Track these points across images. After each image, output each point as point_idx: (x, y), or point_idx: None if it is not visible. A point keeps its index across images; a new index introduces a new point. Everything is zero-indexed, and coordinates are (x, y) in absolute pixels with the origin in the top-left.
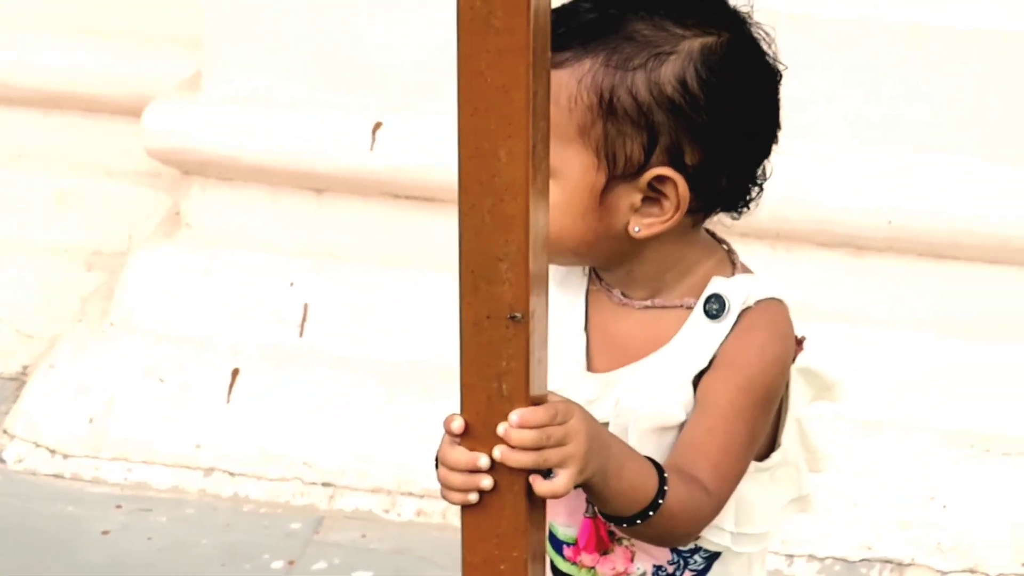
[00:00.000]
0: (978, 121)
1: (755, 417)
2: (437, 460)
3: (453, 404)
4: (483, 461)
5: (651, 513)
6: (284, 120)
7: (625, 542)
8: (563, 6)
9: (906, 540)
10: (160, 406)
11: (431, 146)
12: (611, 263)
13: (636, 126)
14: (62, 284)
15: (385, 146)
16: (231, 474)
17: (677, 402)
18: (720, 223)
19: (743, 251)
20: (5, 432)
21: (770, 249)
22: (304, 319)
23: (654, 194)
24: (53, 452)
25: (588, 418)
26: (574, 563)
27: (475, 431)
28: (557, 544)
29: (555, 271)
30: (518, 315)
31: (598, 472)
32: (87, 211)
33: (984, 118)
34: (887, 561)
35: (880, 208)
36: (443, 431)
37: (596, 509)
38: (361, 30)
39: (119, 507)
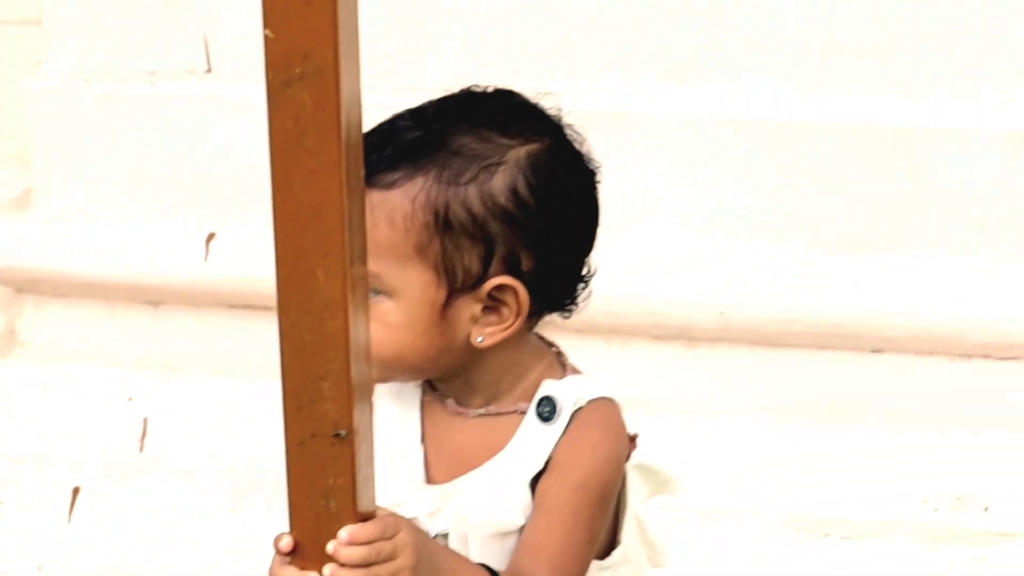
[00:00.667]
0: (802, 211)
1: (592, 516)
2: None
3: None
4: None
5: None
6: (117, 234)
7: None
8: (381, 125)
9: None
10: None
11: (265, 255)
12: (451, 375)
13: (472, 239)
14: None
15: (219, 256)
16: None
17: (516, 507)
18: (552, 322)
19: (578, 348)
20: None
21: (604, 344)
22: (144, 433)
23: (493, 303)
24: None
25: (417, 531)
26: None
27: (305, 549)
28: None
29: (388, 384)
30: (342, 432)
31: None
32: None
33: (808, 208)
34: None
35: (711, 300)
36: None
37: None
38: (190, 142)
39: None
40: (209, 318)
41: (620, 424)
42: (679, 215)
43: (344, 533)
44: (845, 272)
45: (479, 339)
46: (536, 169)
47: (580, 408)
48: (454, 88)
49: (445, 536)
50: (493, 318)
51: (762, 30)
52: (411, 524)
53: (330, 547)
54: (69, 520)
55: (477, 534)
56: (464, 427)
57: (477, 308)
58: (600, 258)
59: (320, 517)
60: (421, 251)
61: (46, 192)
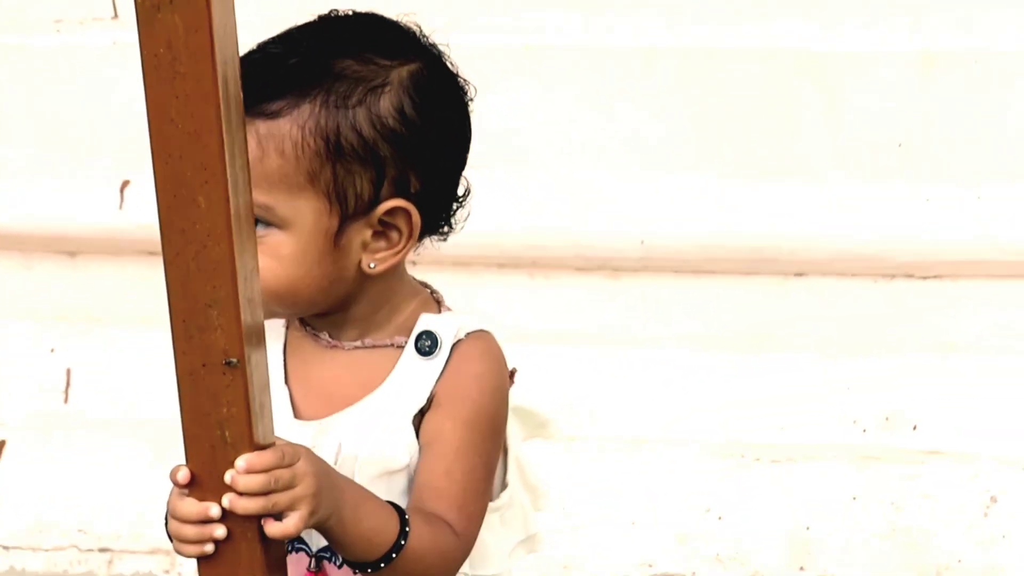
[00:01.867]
0: (718, 139)
1: (487, 450)
2: (167, 515)
3: None
4: (214, 510)
5: (394, 555)
6: (30, 185)
7: None
8: (252, 54)
9: (686, 553)
10: None
11: None
12: (336, 307)
13: (363, 163)
14: None
15: (134, 204)
16: (5, 548)
17: (400, 444)
18: (477, 258)
19: (501, 282)
20: None
21: (528, 277)
22: (68, 384)
23: (383, 228)
24: None
25: (317, 461)
26: None
27: (202, 480)
28: None
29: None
30: (233, 360)
31: (332, 514)
32: None
33: (724, 136)
34: None
35: (632, 230)
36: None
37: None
38: (100, 91)
39: None
40: (128, 266)
41: (501, 355)
42: (595, 148)
43: (241, 462)
44: (764, 198)
45: (371, 265)
46: (419, 89)
47: (459, 341)
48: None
49: None
50: (383, 243)
51: None
52: (311, 453)
53: (228, 476)
54: None
55: (362, 473)
56: (336, 361)
57: (368, 234)
58: (520, 192)
59: (216, 448)
60: (313, 179)
61: None
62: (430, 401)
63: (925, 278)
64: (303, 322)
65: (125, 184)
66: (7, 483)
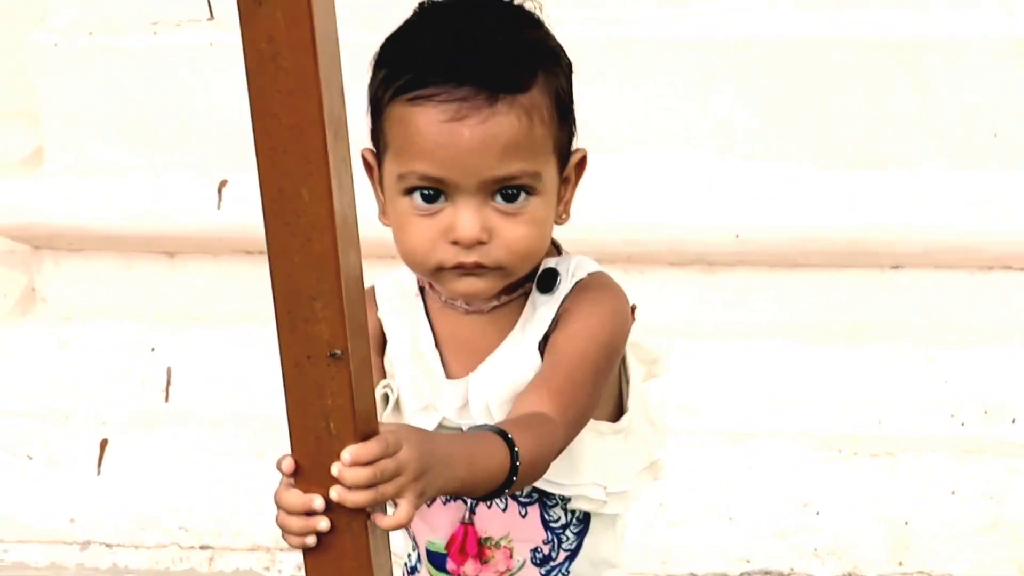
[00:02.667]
0: (812, 130)
1: (597, 360)
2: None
3: None
4: (318, 503)
5: (514, 478)
6: (130, 187)
7: (503, 543)
8: (447, 42)
9: (783, 549)
10: (30, 483)
11: None
12: None
13: (568, 119)
14: None
15: (232, 203)
16: (108, 545)
17: (529, 369)
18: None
19: None
20: None
21: (623, 273)
22: (169, 383)
23: (564, 178)
24: None
25: (420, 441)
26: None
27: (307, 472)
28: (440, 560)
29: (392, 315)
30: (338, 352)
31: (447, 482)
32: None
33: (817, 127)
34: (766, 572)
35: (727, 223)
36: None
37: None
38: (197, 91)
39: None
40: (226, 265)
41: (621, 289)
42: (689, 140)
43: (347, 454)
44: (859, 189)
45: (562, 215)
46: (563, 51)
47: (580, 279)
48: None
49: (480, 427)
50: (565, 193)
51: None
52: (414, 433)
53: (335, 469)
54: (98, 472)
55: (496, 403)
56: (476, 322)
57: (561, 187)
58: (613, 186)
59: (321, 439)
60: (557, 142)
61: (57, 148)
62: (553, 324)
63: (1023, 269)
64: (433, 290)
65: (223, 184)
66: (109, 482)
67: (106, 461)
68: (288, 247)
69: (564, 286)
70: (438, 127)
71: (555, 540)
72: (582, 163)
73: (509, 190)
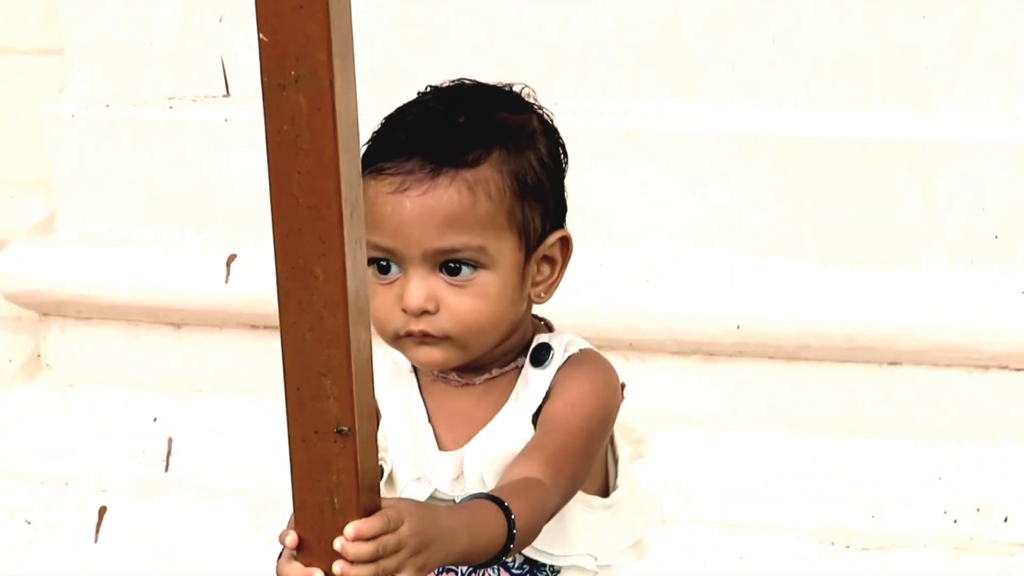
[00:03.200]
0: (815, 226)
1: (589, 429)
2: None
3: None
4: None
5: (511, 546)
6: (139, 256)
7: None
8: (416, 117)
9: None
10: (29, 547)
11: None
12: (504, 339)
13: (538, 199)
14: None
15: (240, 277)
16: None
17: (523, 440)
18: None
19: None
20: None
21: (623, 360)
22: (169, 453)
23: (543, 259)
24: None
25: (422, 515)
26: None
27: (310, 546)
28: None
29: (386, 388)
30: (345, 429)
31: (448, 555)
32: None
33: (820, 223)
34: None
35: (728, 315)
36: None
37: None
38: (210, 165)
39: None
40: (231, 338)
41: (611, 367)
42: (692, 232)
43: (350, 529)
44: (860, 286)
45: (541, 295)
46: (551, 134)
47: (572, 354)
48: None
49: (472, 497)
50: (545, 273)
51: (768, 48)
52: (415, 507)
53: (337, 544)
54: (96, 539)
55: (490, 473)
56: (469, 394)
57: (534, 267)
58: (616, 273)
59: (325, 513)
60: (511, 218)
61: (68, 216)
62: (546, 397)
63: (1019, 370)
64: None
65: (232, 258)
66: (107, 549)
67: (104, 528)
68: (300, 324)
69: (556, 360)
70: (384, 198)
71: None
72: (566, 244)
73: (451, 263)
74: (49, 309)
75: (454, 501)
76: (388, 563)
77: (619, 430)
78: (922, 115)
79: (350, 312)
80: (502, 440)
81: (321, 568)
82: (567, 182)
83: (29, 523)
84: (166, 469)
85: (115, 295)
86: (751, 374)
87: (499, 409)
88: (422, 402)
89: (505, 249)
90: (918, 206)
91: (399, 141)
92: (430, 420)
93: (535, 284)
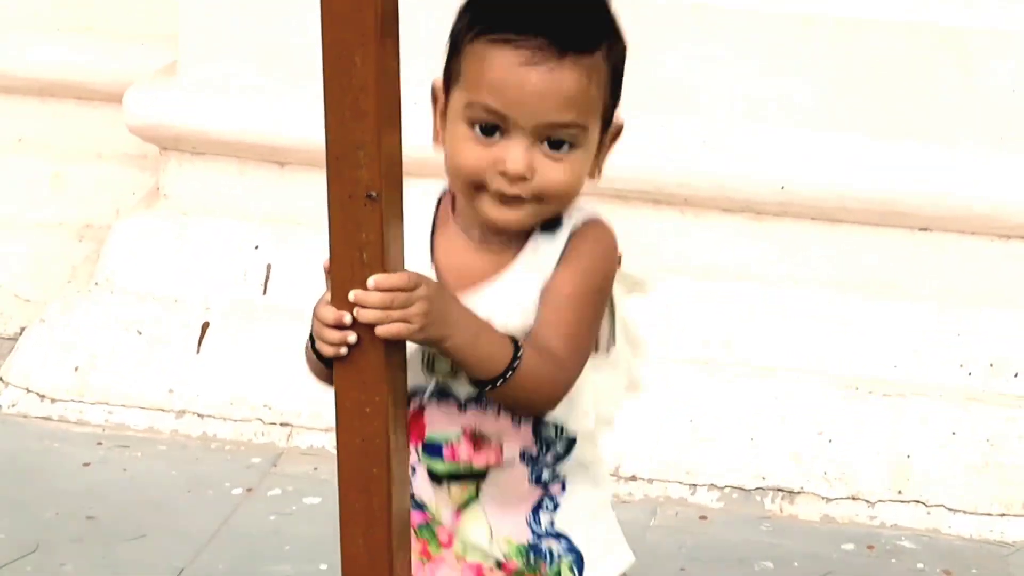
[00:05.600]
0: (861, 101)
1: (595, 301)
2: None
3: None
4: (347, 318)
5: (508, 375)
6: (250, 101)
7: (493, 440)
8: (527, 2)
9: (796, 470)
10: (137, 356)
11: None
12: None
13: (617, 91)
14: (56, 255)
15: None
16: (200, 416)
17: (522, 303)
18: (627, 192)
19: (655, 216)
20: (1, 380)
21: (679, 214)
22: (267, 278)
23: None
24: (42, 397)
25: (440, 291)
26: (453, 461)
27: (341, 294)
28: (435, 450)
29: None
30: (373, 194)
31: (448, 338)
32: (79, 190)
33: (866, 99)
34: (779, 489)
35: (773, 176)
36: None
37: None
38: (316, 26)
39: (99, 444)
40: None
41: (613, 237)
42: (747, 102)
43: (371, 281)
44: (898, 156)
45: (594, 173)
46: (623, 33)
47: (577, 227)
48: None
49: None
50: (599, 154)
51: None
52: (437, 285)
53: (352, 295)
54: (198, 351)
55: None
56: (477, 252)
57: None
58: (677, 136)
59: (355, 266)
60: (604, 106)
61: (189, 64)
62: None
63: None
64: (453, 213)
65: None
66: (207, 361)
67: (206, 342)
68: (341, 103)
69: (564, 231)
70: (510, 68)
71: (542, 446)
72: (619, 133)
73: (557, 138)
74: (168, 144)
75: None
76: (394, 313)
77: (617, 279)
78: (964, 3)
79: (380, 95)
80: (502, 299)
81: (348, 312)
82: (642, 49)
83: (140, 334)
84: (264, 292)
85: (227, 134)
86: (793, 232)
87: (501, 269)
88: (430, 244)
89: (593, 133)
90: (957, 87)
91: (526, 18)
92: (432, 260)
93: (594, 163)
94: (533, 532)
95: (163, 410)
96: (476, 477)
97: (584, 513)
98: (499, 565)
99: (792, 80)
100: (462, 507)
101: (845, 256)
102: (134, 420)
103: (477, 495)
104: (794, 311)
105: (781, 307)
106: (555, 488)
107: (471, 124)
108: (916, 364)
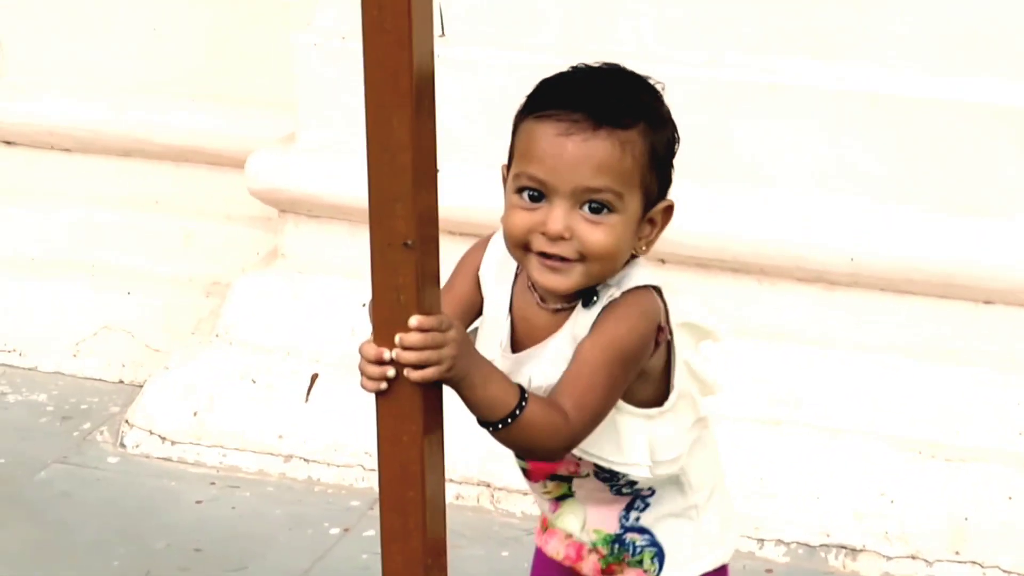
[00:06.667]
0: (926, 176)
1: (613, 371)
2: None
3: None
4: (387, 354)
5: (509, 420)
6: (363, 166)
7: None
8: (588, 79)
9: (859, 529)
10: (251, 403)
11: (483, 191)
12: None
13: (660, 172)
14: (185, 308)
15: (441, 190)
16: (306, 460)
17: (558, 369)
18: (709, 261)
19: (733, 284)
20: (127, 422)
21: (756, 283)
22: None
23: (647, 221)
24: (163, 439)
25: (464, 335)
26: (540, 466)
27: (382, 332)
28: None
29: (492, 268)
30: (409, 242)
31: (464, 378)
32: (208, 248)
33: (930, 174)
34: (842, 546)
35: (843, 248)
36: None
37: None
38: None
39: (212, 484)
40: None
41: (650, 309)
42: (819, 175)
43: (414, 320)
44: (960, 231)
45: (643, 248)
46: (673, 125)
47: (615, 298)
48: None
49: None
50: (646, 231)
51: (894, 19)
52: (460, 327)
53: (397, 338)
54: (306, 400)
55: (537, 391)
56: (539, 314)
57: (645, 225)
58: (754, 207)
59: (393, 306)
60: (642, 179)
61: (308, 131)
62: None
63: None
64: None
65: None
66: (315, 409)
67: (314, 392)
68: (381, 160)
69: (601, 303)
70: (551, 139)
71: (611, 475)
72: (669, 211)
73: (595, 203)
74: (285, 207)
75: None
76: (431, 354)
77: (686, 329)
78: (1022, 85)
79: (415, 154)
80: (545, 361)
81: (387, 348)
82: (719, 125)
83: (254, 382)
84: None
85: (339, 198)
86: (862, 301)
87: (551, 335)
88: (510, 298)
89: (633, 202)
90: (1014, 164)
91: (567, 96)
92: (510, 312)
93: (639, 239)
94: (622, 526)
95: (272, 454)
96: (565, 478)
97: (670, 514)
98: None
99: (860, 155)
100: (559, 499)
101: (911, 324)
102: (246, 463)
103: (571, 492)
104: (861, 375)
105: (849, 371)
106: (644, 491)
107: (520, 192)
108: (976, 429)
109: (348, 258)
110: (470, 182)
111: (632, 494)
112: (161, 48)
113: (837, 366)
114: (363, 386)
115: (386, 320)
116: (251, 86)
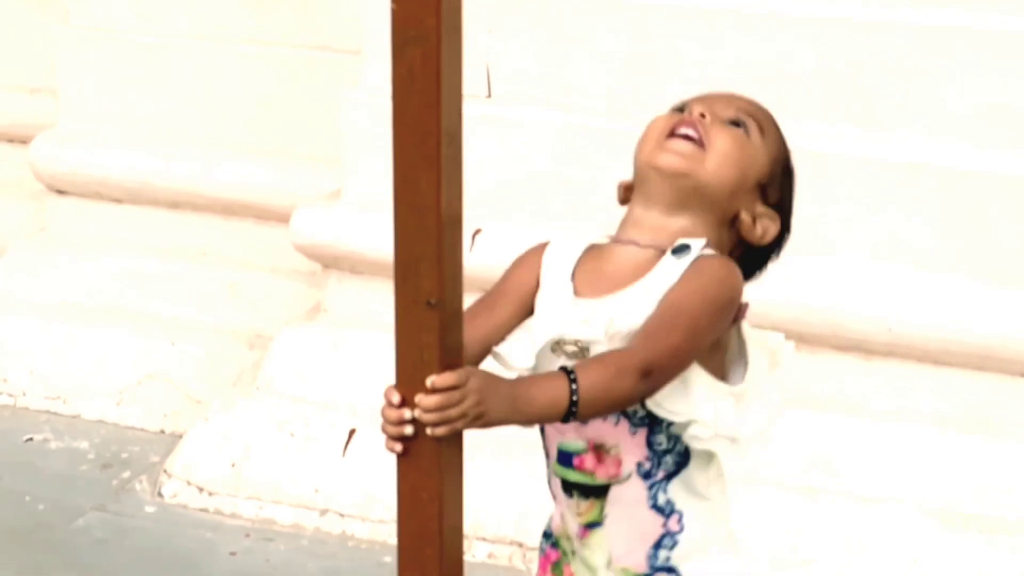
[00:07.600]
0: (965, 247)
1: (697, 319)
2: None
3: (522, 464)
4: (407, 414)
5: (575, 409)
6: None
7: (613, 452)
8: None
9: None
10: (289, 456)
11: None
12: (704, 210)
13: (768, 188)
14: (227, 359)
15: (483, 249)
16: (341, 515)
17: (641, 314)
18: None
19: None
20: (165, 472)
21: (794, 349)
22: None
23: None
24: (201, 489)
25: (486, 379)
26: (582, 471)
27: (404, 389)
28: (567, 459)
29: (553, 259)
30: (433, 301)
31: (506, 415)
32: (253, 300)
33: (970, 245)
34: None
35: (881, 316)
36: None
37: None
38: (467, 154)
39: (248, 535)
40: (469, 300)
41: (735, 275)
42: (860, 243)
43: (430, 381)
44: (998, 303)
45: (753, 238)
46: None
47: (702, 255)
48: None
49: (586, 348)
50: (758, 232)
51: (939, 89)
52: (482, 373)
53: (417, 398)
54: (344, 454)
55: (618, 336)
56: (620, 258)
57: (750, 217)
58: (790, 275)
59: (416, 365)
60: (761, 167)
61: (350, 189)
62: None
63: None
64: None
65: (477, 232)
66: (351, 464)
67: (351, 446)
68: (406, 220)
69: (690, 255)
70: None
71: (655, 460)
72: (781, 235)
73: (735, 122)
74: (328, 262)
75: (576, 343)
76: (451, 412)
77: (756, 338)
78: None
79: (442, 213)
80: (627, 305)
81: (409, 407)
82: None
83: (292, 435)
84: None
85: (383, 255)
86: (899, 371)
87: (634, 282)
88: (573, 265)
89: (756, 165)
90: None
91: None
92: (572, 277)
93: (749, 230)
94: (651, 565)
95: (308, 507)
96: (600, 493)
97: (698, 549)
98: None
99: (901, 224)
100: (588, 526)
101: (947, 395)
102: (281, 515)
103: (601, 519)
104: (896, 444)
105: (884, 440)
106: (673, 522)
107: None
108: (1012, 502)
109: (389, 314)
110: (512, 240)
111: (668, 509)
112: (212, 102)
113: (873, 435)
114: (386, 446)
115: (409, 377)
116: (299, 141)
